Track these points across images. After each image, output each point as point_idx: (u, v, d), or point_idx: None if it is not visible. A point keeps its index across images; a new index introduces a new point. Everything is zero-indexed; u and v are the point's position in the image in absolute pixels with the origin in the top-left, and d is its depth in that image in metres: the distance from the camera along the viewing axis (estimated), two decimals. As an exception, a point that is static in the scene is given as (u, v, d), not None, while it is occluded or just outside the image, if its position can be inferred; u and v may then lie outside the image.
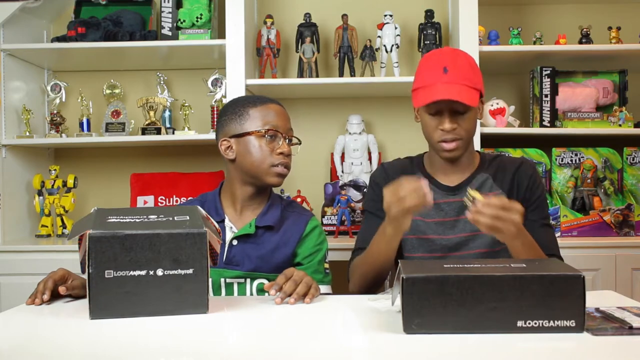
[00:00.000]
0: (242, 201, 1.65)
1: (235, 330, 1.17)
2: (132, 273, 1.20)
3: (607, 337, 1.05)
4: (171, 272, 1.21)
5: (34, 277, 2.33)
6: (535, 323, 1.05)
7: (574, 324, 1.05)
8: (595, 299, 1.42)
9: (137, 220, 1.26)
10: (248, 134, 1.61)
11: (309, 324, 1.21)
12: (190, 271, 1.22)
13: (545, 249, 1.55)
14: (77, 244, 1.29)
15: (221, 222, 1.63)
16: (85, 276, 1.34)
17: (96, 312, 1.19)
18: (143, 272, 1.20)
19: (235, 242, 1.60)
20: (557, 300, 1.05)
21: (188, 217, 1.29)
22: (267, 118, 1.62)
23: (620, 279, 2.31)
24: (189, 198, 1.74)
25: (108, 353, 1.01)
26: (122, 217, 1.27)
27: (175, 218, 1.28)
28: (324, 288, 1.61)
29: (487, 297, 1.05)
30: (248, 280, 1.60)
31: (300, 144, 1.69)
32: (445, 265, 1.14)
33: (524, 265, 1.13)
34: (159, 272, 1.21)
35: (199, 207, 1.36)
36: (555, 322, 1.05)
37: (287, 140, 1.63)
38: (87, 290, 1.19)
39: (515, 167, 1.64)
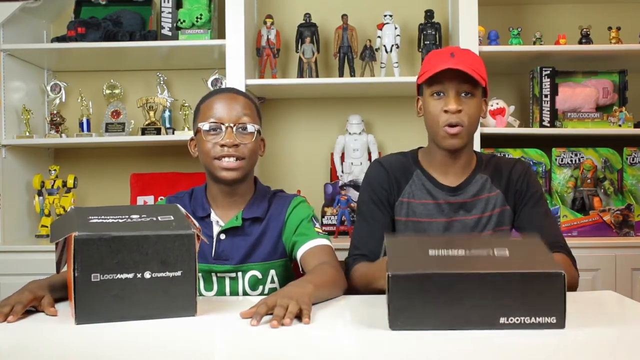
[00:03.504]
0: (223, 198, 1.61)
1: (224, 333, 1.15)
2: (119, 276, 1.16)
3: (588, 333, 1.07)
4: (159, 275, 1.18)
5: (34, 277, 2.33)
6: (517, 320, 1.07)
7: (554, 321, 1.07)
8: (595, 299, 1.42)
9: (121, 220, 1.22)
10: (197, 131, 1.58)
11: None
12: (179, 273, 1.20)
13: (549, 237, 1.52)
14: (54, 244, 1.26)
15: (207, 217, 1.61)
16: (56, 274, 1.33)
17: (82, 317, 1.15)
18: (130, 275, 1.17)
19: (223, 237, 1.58)
20: (538, 297, 1.07)
21: (172, 217, 1.26)
22: (210, 111, 1.55)
23: (620, 279, 2.31)
24: (179, 191, 1.70)
25: (94, 358, 1.00)
26: (103, 217, 1.23)
27: (159, 218, 1.25)
28: (323, 241, 1.58)
29: (469, 295, 1.07)
30: (240, 274, 1.59)
31: (256, 130, 1.56)
32: (430, 252, 1.14)
33: (507, 251, 1.13)
34: (147, 275, 1.18)
35: (179, 206, 1.34)
36: (537, 318, 1.07)
37: (234, 130, 1.53)
38: (73, 294, 1.15)
39: (510, 167, 1.66)
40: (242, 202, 1.62)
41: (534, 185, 1.65)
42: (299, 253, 1.57)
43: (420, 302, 1.07)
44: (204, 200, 1.63)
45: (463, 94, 1.55)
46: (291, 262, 1.67)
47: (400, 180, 1.65)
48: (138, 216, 1.25)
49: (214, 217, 1.61)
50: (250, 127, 1.56)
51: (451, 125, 1.54)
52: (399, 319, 1.08)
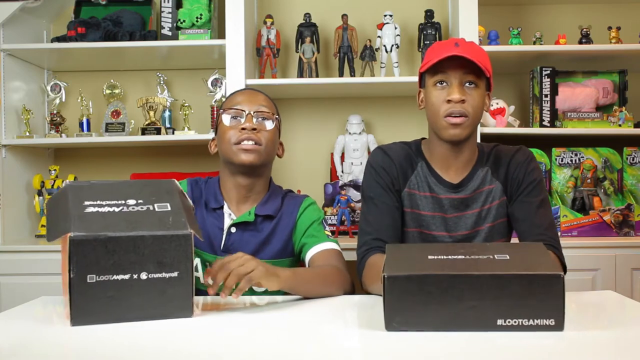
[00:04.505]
0: (237, 193, 1.63)
1: (221, 334, 1.14)
2: (115, 277, 1.15)
3: (587, 335, 1.06)
4: (155, 276, 1.17)
5: (34, 277, 2.36)
6: (515, 321, 1.05)
7: (553, 323, 1.05)
8: (595, 299, 1.42)
9: (117, 209, 1.21)
10: (219, 122, 1.64)
11: (290, 322, 1.21)
12: (175, 274, 1.18)
13: (538, 228, 1.53)
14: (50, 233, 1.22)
15: (220, 208, 1.63)
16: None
17: (78, 319, 1.14)
18: (127, 276, 1.16)
19: (233, 230, 1.60)
20: (537, 299, 1.05)
21: (169, 206, 1.24)
22: (232, 102, 1.64)
23: (620, 279, 2.31)
24: (199, 177, 1.73)
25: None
26: (99, 201, 1.21)
27: (156, 207, 1.24)
28: (333, 245, 1.60)
29: (466, 296, 1.05)
30: None
31: (275, 120, 1.63)
32: (430, 257, 1.13)
33: (507, 256, 1.12)
34: (143, 276, 1.17)
35: (175, 181, 1.33)
36: (535, 320, 1.05)
37: (254, 118, 1.59)
38: (69, 295, 1.14)
39: (510, 156, 1.62)
40: (256, 199, 1.65)
41: (532, 174, 1.59)
42: (308, 255, 1.59)
43: (416, 303, 1.06)
44: (217, 192, 1.65)
45: (467, 84, 1.51)
46: (297, 263, 1.68)
47: (407, 169, 1.60)
48: (134, 202, 1.24)
49: (226, 209, 1.63)
50: (269, 118, 1.62)
51: (454, 115, 1.49)
52: (394, 320, 1.07)
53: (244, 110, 1.60)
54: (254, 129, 1.57)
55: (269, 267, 1.32)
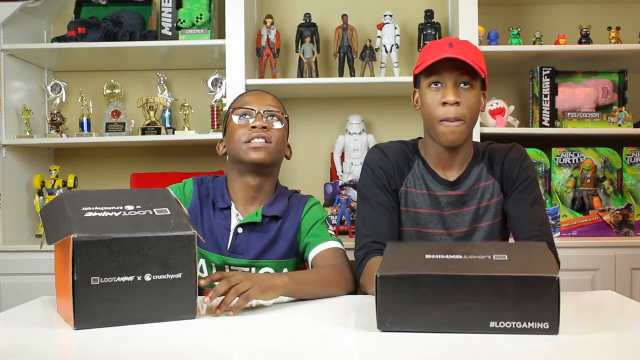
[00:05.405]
0: (245, 194, 1.63)
1: (223, 335, 1.14)
2: (119, 279, 1.13)
3: (583, 338, 1.04)
4: (159, 277, 1.16)
5: (34, 277, 2.37)
6: (509, 324, 1.03)
7: (547, 326, 1.03)
8: (595, 300, 1.42)
9: (116, 214, 1.19)
10: (228, 121, 1.65)
11: (291, 323, 1.22)
12: (179, 275, 1.17)
13: (532, 224, 1.54)
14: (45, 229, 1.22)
15: (227, 208, 1.63)
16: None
17: (81, 322, 1.11)
18: (130, 278, 1.14)
19: (240, 230, 1.60)
20: (531, 301, 1.02)
21: (168, 211, 1.23)
22: (242, 102, 1.65)
23: (619, 279, 2.31)
24: (204, 175, 1.73)
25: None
26: (96, 207, 1.20)
27: (155, 212, 1.23)
28: (336, 243, 1.60)
29: (460, 297, 1.04)
30: (253, 270, 1.59)
31: (283, 120, 1.64)
32: (427, 256, 1.12)
33: (506, 257, 1.11)
34: (147, 278, 1.15)
35: (170, 190, 1.33)
36: (529, 323, 1.03)
37: (264, 117, 1.60)
38: (72, 298, 1.11)
39: (504, 153, 1.62)
40: (263, 199, 1.65)
41: (526, 171, 1.59)
42: (311, 255, 1.59)
43: (409, 303, 1.05)
44: (224, 192, 1.64)
45: (462, 85, 1.49)
46: (302, 262, 1.69)
47: (403, 168, 1.60)
48: (132, 207, 1.22)
49: (233, 209, 1.63)
50: (279, 118, 1.64)
51: (449, 120, 1.49)
52: (386, 320, 1.06)
53: (254, 110, 1.61)
54: (264, 127, 1.58)
55: (263, 282, 1.31)
